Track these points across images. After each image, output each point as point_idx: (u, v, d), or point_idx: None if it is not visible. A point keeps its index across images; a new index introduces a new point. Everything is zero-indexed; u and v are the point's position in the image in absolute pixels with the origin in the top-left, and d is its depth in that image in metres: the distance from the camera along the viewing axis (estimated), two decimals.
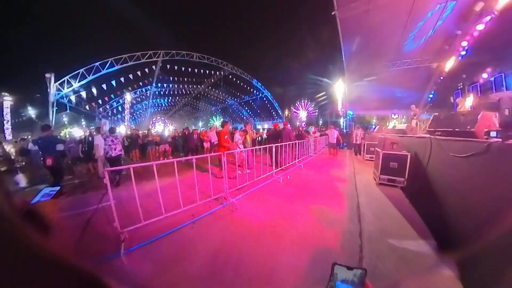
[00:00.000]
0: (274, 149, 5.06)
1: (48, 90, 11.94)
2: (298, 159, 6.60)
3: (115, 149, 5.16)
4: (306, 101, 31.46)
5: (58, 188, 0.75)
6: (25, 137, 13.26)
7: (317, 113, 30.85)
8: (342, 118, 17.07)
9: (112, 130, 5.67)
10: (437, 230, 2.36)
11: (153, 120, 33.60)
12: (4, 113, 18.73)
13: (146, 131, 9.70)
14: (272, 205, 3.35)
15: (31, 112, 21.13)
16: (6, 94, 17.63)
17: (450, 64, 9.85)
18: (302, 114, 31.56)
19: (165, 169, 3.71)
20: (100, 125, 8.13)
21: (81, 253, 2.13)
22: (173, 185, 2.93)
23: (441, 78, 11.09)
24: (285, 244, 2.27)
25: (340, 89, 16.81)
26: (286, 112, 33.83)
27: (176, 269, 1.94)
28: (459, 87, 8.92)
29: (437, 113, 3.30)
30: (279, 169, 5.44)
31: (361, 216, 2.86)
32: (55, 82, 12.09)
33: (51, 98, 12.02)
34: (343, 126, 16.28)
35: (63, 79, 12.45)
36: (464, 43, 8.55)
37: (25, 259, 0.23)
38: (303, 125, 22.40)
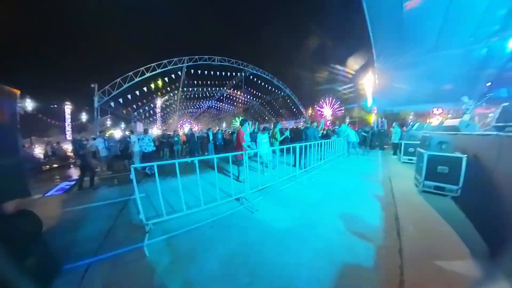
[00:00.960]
0: (298, 149, 4.79)
1: (93, 97, 13.78)
2: (324, 159, 6.17)
3: (149, 146, 6.42)
4: (331, 98, 29.73)
5: (73, 183, 0.74)
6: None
7: (343, 111, 28.81)
8: (373, 114, 15.47)
9: (146, 131, 6.98)
10: (503, 253, 1.84)
11: (181, 122, 36.01)
12: (66, 118, 22.71)
13: (172, 132, 10.48)
14: (295, 209, 3.13)
15: (84, 116, 25.28)
16: (67, 102, 21.32)
17: None
18: (327, 112, 29.87)
19: (189, 167, 3.90)
20: (134, 127, 9.00)
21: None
22: (196, 183, 2.96)
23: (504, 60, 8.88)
24: (308, 253, 2.05)
25: (369, 83, 15.29)
26: (310, 111, 32.46)
27: (191, 266, 1.93)
28: None
29: (507, 103, 2.60)
30: (303, 170, 5.15)
31: (400, 230, 2.44)
32: (98, 91, 13.90)
33: (96, 104, 13.82)
34: (375, 125, 14.61)
35: (104, 88, 14.24)
36: None
37: None
38: (327, 124, 21.12)
